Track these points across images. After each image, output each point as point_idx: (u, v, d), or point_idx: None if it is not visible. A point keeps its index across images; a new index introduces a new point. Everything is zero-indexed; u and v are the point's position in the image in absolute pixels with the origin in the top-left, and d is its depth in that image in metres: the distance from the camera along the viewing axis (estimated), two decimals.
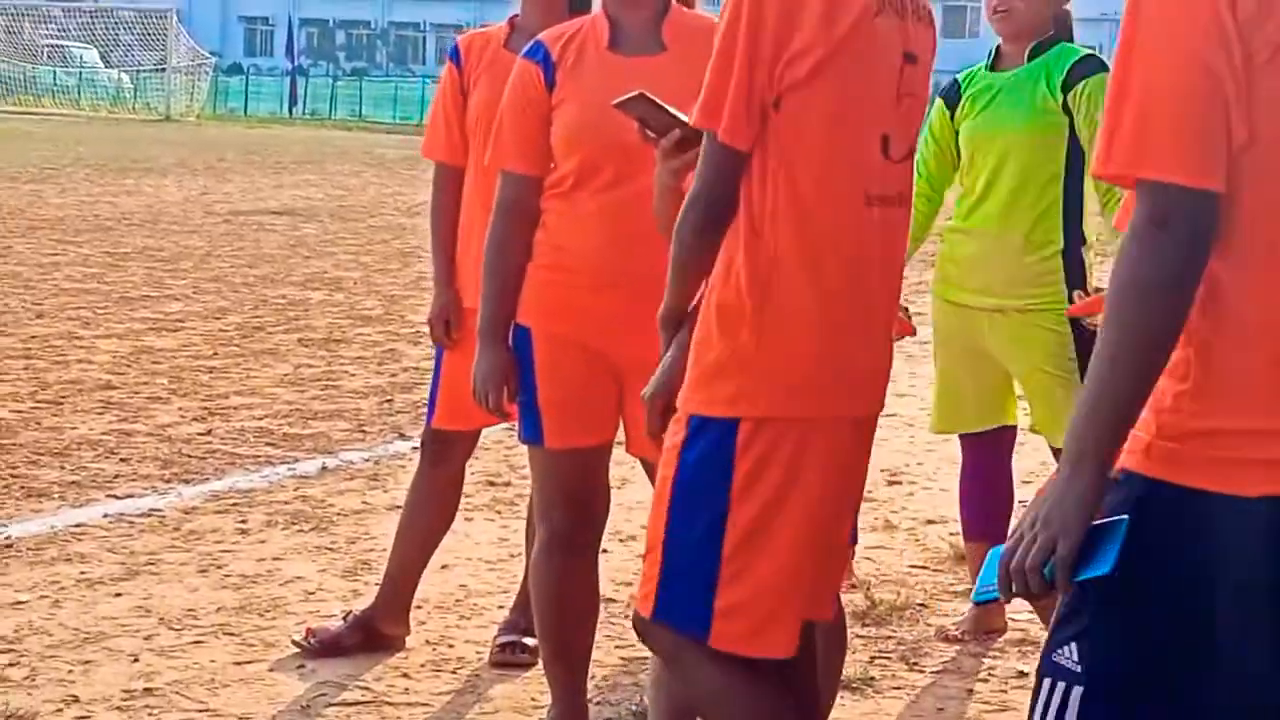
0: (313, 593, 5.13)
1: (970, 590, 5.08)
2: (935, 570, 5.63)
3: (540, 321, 3.73)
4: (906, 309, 4.66)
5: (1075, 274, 4.61)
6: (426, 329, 4.63)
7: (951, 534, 5.92)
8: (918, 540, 6.00)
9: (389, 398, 8.17)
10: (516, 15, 4.42)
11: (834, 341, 2.93)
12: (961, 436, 5.00)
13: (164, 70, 44.40)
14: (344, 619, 4.70)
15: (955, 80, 4.90)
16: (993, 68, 4.78)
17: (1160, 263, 2.09)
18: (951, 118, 4.82)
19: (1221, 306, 2.14)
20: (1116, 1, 2.19)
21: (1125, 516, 2.14)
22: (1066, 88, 4.58)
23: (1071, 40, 4.76)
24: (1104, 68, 4.58)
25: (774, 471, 2.91)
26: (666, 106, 3.10)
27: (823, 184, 2.89)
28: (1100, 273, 3.90)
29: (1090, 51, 4.67)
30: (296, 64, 52.31)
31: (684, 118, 3.04)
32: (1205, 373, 2.15)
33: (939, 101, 4.86)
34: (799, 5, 2.83)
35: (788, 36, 2.84)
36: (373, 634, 4.64)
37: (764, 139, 2.88)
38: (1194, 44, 2.07)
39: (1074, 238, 4.65)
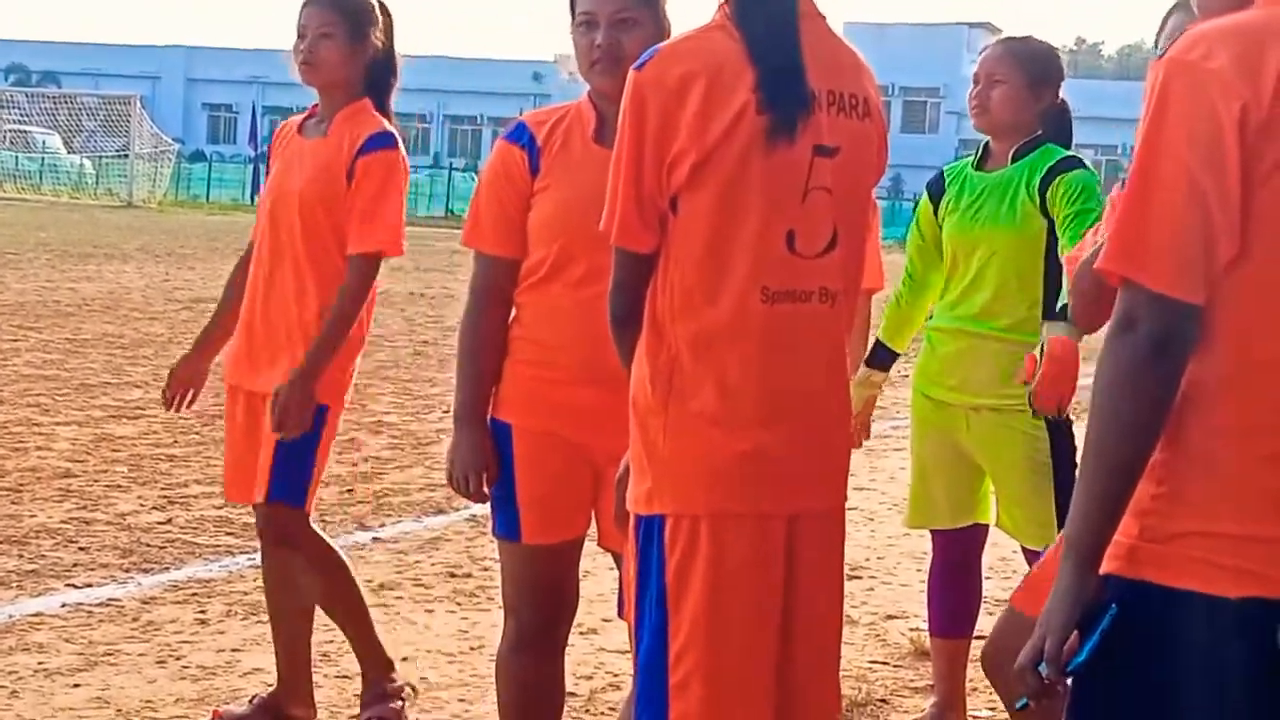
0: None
1: (931, 685, 5.09)
2: (896, 666, 5.63)
3: (519, 417, 3.70)
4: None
5: None
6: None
7: (912, 629, 5.93)
8: (878, 635, 6.00)
9: (349, 487, 8.14)
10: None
11: (745, 438, 2.93)
12: (933, 532, 4.98)
13: (126, 156, 44.36)
14: (250, 702, 4.74)
15: (940, 173, 4.88)
16: (979, 166, 4.76)
17: (1122, 362, 2.18)
18: (936, 212, 4.81)
19: (1201, 411, 2.20)
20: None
21: (1113, 607, 2.21)
22: (1043, 189, 4.55)
23: (1070, 139, 4.72)
24: (1079, 165, 4.58)
25: (699, 568, 2.90)
26: None
27: (712, 282, 2.92)
28: (1082, 374, 3.87)
29: (1071, 154, 4.63)
30: (259, 151, 52.36)
31: None
32: (1183, 476, 2.21)
33: (924, 196, 4.87)
34: (676, 111, 2.90)
35: (668, 142, 2.91)
36: (280, 717, 4.67)
37: (666, 241, 2.95)
38: (1187, 163, 2.16)
39: None
